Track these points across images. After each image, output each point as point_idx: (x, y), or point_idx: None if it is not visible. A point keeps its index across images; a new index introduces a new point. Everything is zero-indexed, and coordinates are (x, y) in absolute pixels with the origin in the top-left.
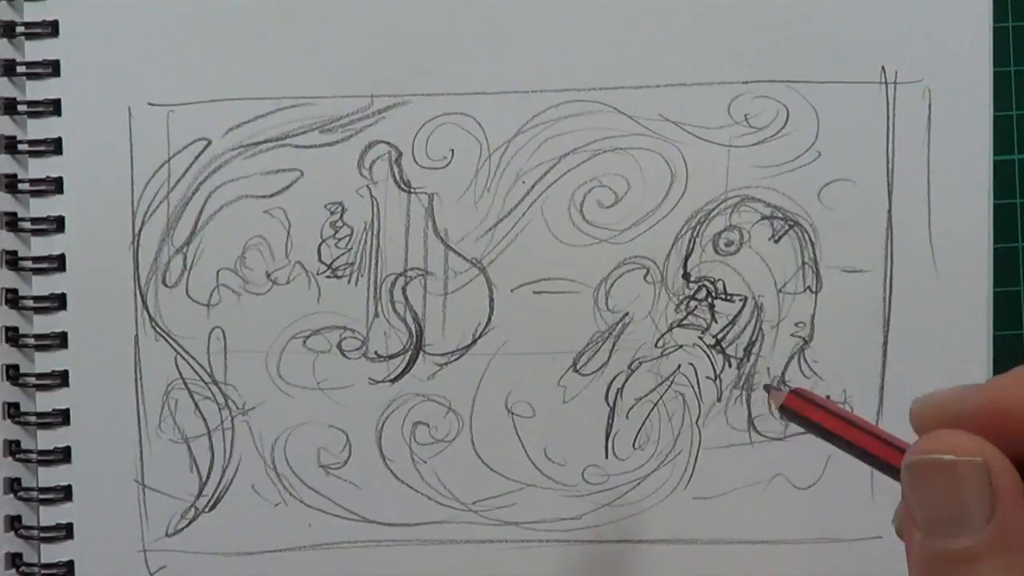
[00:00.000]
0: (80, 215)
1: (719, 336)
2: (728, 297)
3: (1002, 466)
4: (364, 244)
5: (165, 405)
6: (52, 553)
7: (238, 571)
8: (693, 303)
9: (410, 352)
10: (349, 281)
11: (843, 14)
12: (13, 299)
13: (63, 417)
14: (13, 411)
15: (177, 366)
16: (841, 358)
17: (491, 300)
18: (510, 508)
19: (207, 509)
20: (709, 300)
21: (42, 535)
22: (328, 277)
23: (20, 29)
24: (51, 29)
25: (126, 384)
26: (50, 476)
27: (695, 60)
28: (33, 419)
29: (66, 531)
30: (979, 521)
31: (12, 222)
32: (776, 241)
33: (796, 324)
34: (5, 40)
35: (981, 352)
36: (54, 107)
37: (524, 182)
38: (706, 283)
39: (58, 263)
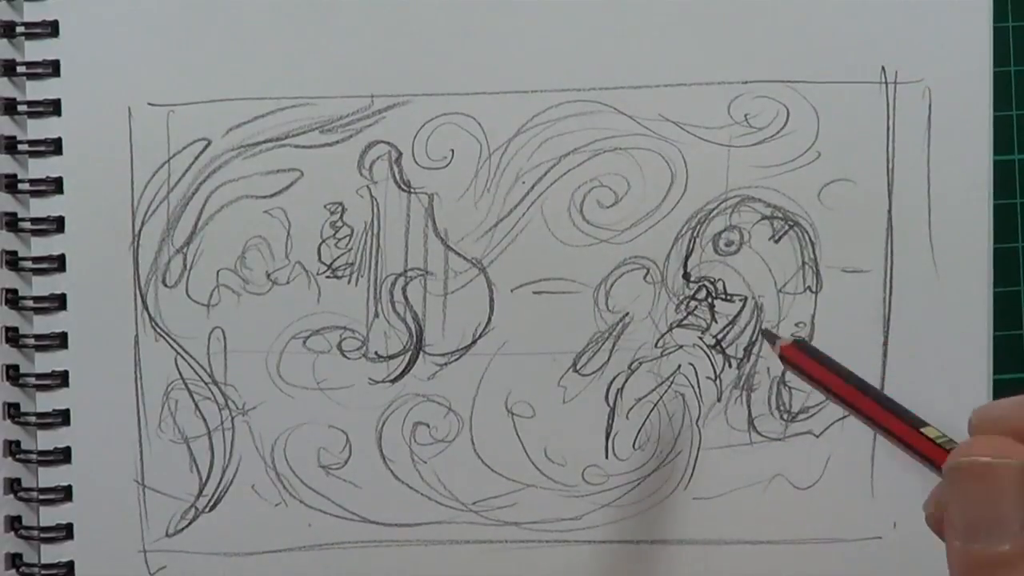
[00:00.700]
0: (80, 215)
1: (719, 336)
2: (728, 297)
3: None
4: (364, 244)
5: (165, 405)
6: (52, 553)
7: (238, 571)
8: (693, 303)
9: (410, 352)
10: (349, 281)
11: (843, 14)
12: (13, 299)
13: (63, 417)
14: (13, 411)
15: (177, 366)
16: (841, 358)
17: (491, 300)
18: (510, 508)
19: (207, 509)
20: (709, 300)
21: (42, 535)
22: (328, 277)
23: (20, 29)
24: (51, 29)
25: (126, 384)
26: (50, 476)
27: (695, 60)
28: (33, 419)
29: (66, 531)
30: (1016, 525)
31: (12, 222)
32: (776, 241)
33: (796, 324)
34: (5, 40)
35: (981, 352)
36: (54, 107)
37: (524, 182)
38: (706, 283)
39: (58, 263)
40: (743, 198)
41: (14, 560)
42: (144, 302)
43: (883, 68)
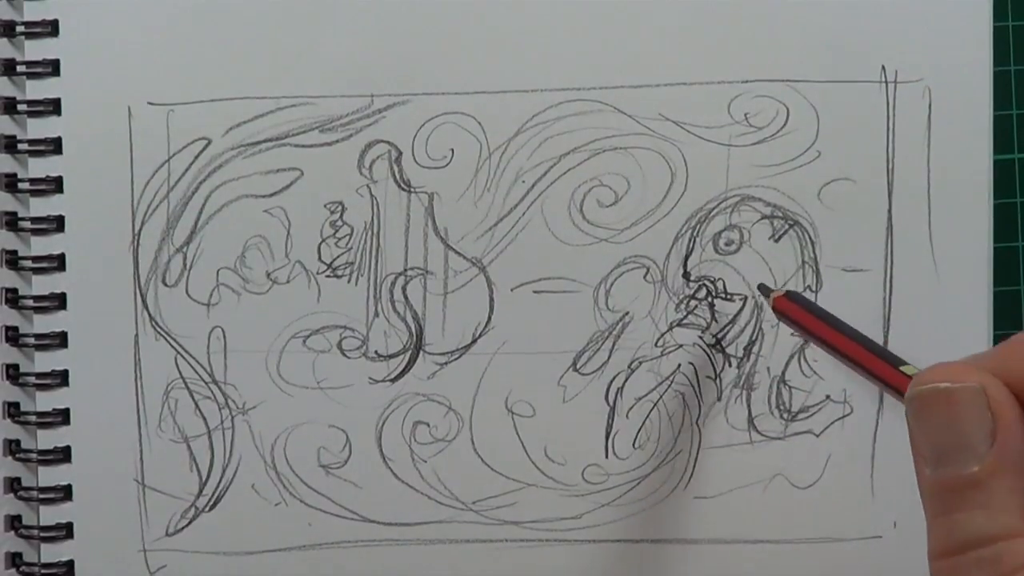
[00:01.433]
0: (80, 215)
1: (719, 335)
2: (728, 296)
3: (999, 391)
4: (364, 243)
5: (165, 405)
6: (52, 553)
7: (238, 571)
8: (693, 302)
9: (410, 352)
10: (349, 281)
11: (843, 14)
12: (13, 299)
13: (63, 417)
14: (13, 411)
15: (177, 366)
16: None
17: (491, 300)
18: (510, 508)
19: (207, 509)
20: (709, 299)
21: (42, 535)
22: (328, 277)
23: (20, 29)
24: (51, 29)
25: (126, 384)
26: (50, 476)
27: (695, 60)
28: (33, 419)
29: (66, 531)
30: (982, 446)
31: (12, 222)
32: (776, 240)
33: None
34: (5, 40)
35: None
36: (54, 107)
37: (524, 181)
38: (706, 282)
39: (58, 263)
40: (743, 197)
41: (14, 559)
42: (144, 301)
43: (883, 68)
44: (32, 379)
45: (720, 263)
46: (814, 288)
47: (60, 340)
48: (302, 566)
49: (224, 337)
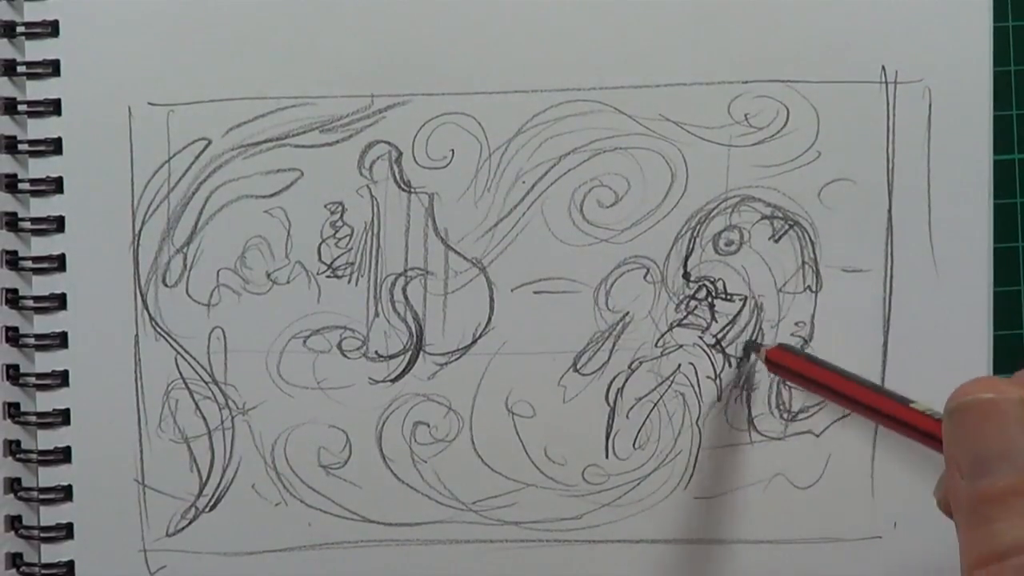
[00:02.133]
0: (80, 215)
1: (719, 336)
2: (728, 297)
3: None
4: (364, 244)
5: (165, 405)
6: (52, 553)
7: (238, 571)
8: (693, 303)
9: (410, 352)
10: (349, 281)
11: (843, 14)
12: (13, 299)
13: (63, 417)
14: (13, 411)
15: (177, 366)
16: (841, 358)
17: (491, 300)
18: (510, 508)
19: (207, 509)
20: (709, 300)
21: (42, 535)
22: (328, 277)
23: (20, 29)
24: (51, 29)
25: (126, 384)
26: (50, 476)
27: (695, 60)
28: (33, 419)
29: (66, 531)
30: (1020, 457)
31: (12, 222)
32: (776, 241)
33: (796, 324)
34: (5, 40)
35: (981, 352)
36: (54, 107)
37: (524, 182)
38: (706, 283)
39: (58, 263)
40: (743, 198)
41: (14, 559)
42: (144, 302)
43: (883, 68)
44: (32, 379)
45: (720, 263)
46: (814, 288)
47: (60, 340)
48: (302, 566)
49: (224, 337)
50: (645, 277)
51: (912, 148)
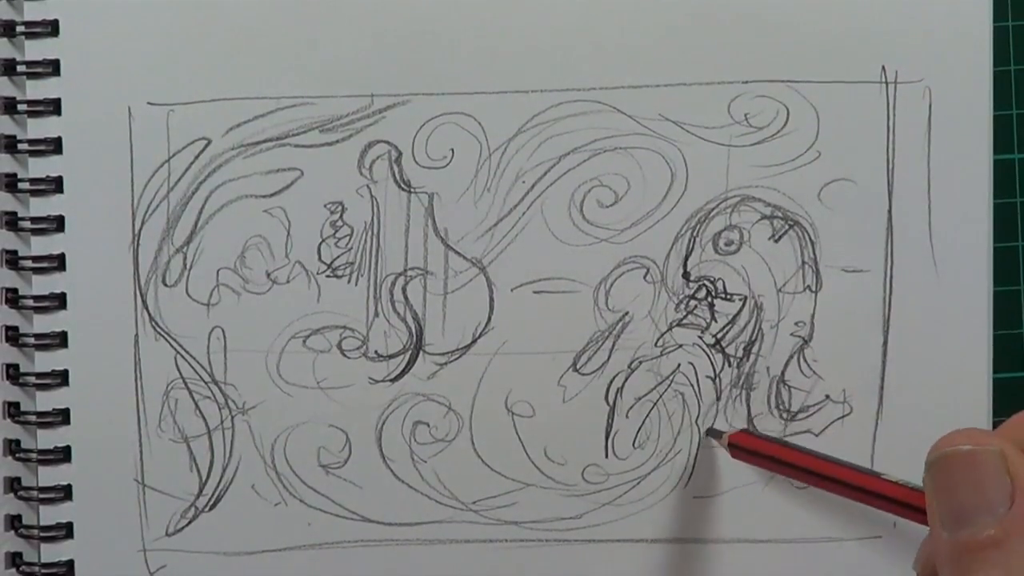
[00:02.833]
0: (80, 215)
1: (719, 335)
2: (728, 297)
3: (1016, 454)
4: (364, 244)
5: (165, 405)
6: (52, 553)
7: (238, 571)
8: (693, 303)
9: (410, 352)
10: (349, 281)
11: (843, 14)
12: (13, 299)
13: (63, 417)
14: (13, 411)
15: (177, 366)
16: (841, 358)
17: (491, 300)
18: (510, 508)
19: (207, 509)
20: (709, 300)
21: (42, 535)
22: (328, 277)
23: (20, 29)
24: (51, 29)
25: (126, 384)
26: (50, 476)
27: (695, 60)
28: (33, 419)
29: (66, 531)
30: (1001, 508)
31: (12, 222)
32: (776, 241)
33: (796, 324)
34: (5, 40)
35: (981, 352)
36: (54, 107)
37: (524, 182)
38: (706, 283)
39: (58, 263)
40: (743, 198)
41: (14, 559)
42: (144, 301)
43: (883, 68)
44: (32, 379)
45: (720, 263)
46: (814, 288)
47: (60, 340)
48: (302, 566)
49: (224, 337)
50: (645, 277)
51: (912, 148)
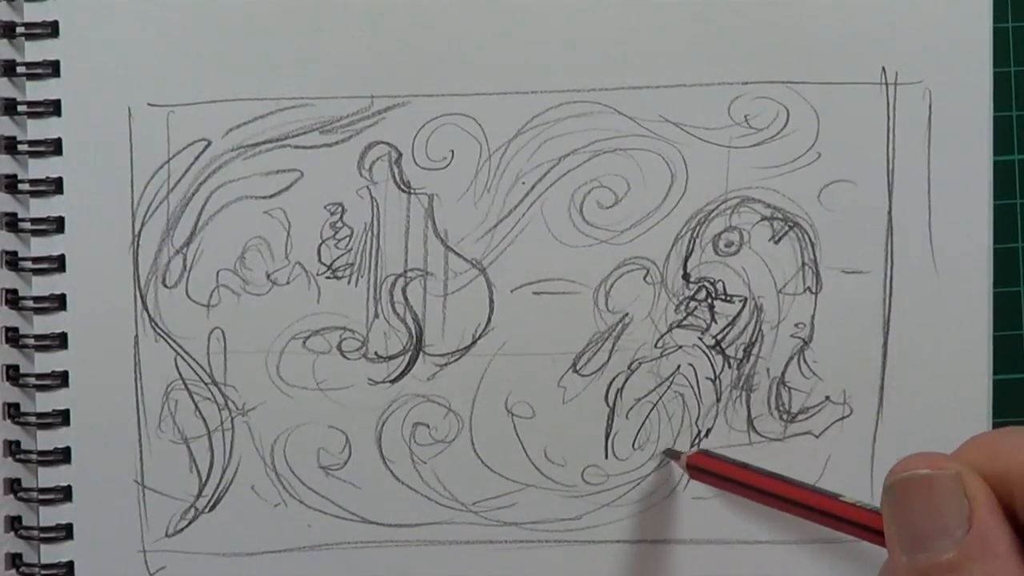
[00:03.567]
0: (80, 215)
1: (719, 337)
2: (728, 298)
3: (973, 477)
4: (364, 245)
5: (165, 405)
6: (52, 553)
7: (238, 571)
8: (693, 304)
9: (410, 353)
10: (349, 282)
11: (843, 14)
12: (13, 299)
13: (63, 417)
14: (13, 411)
15: (177, 366)
16: (841, 359)
17: (491, 301)
18: (510, 508)
19: (207, 509)
20: (709, 301)
21: (42, 535)
22: (328, 278)
23: (20, 29)
24: (51, 29)
25: (126, 384)
26: (50, 476)
27: (695, 60)
28: (33, 419)
29: (66, 531)
30: (959, 531)
31: (12, 222)
32: (776, 242)
33: (796, 325)
34: (5, 40)
35: (981, 352)
36: (54, 107)
37: (524, 183)
38: (706, 284)
39: (58, 263)
40: (743, 199)
41: (14, 560)
42: (144, 302)
43: (883, 68)
44: (32, 380)
45: (720, 264)
46: (814, 290)
47: (60, 341)
48: (302, 567)
49: (224, 338)
50: (645, 278)
51: (912, 149)
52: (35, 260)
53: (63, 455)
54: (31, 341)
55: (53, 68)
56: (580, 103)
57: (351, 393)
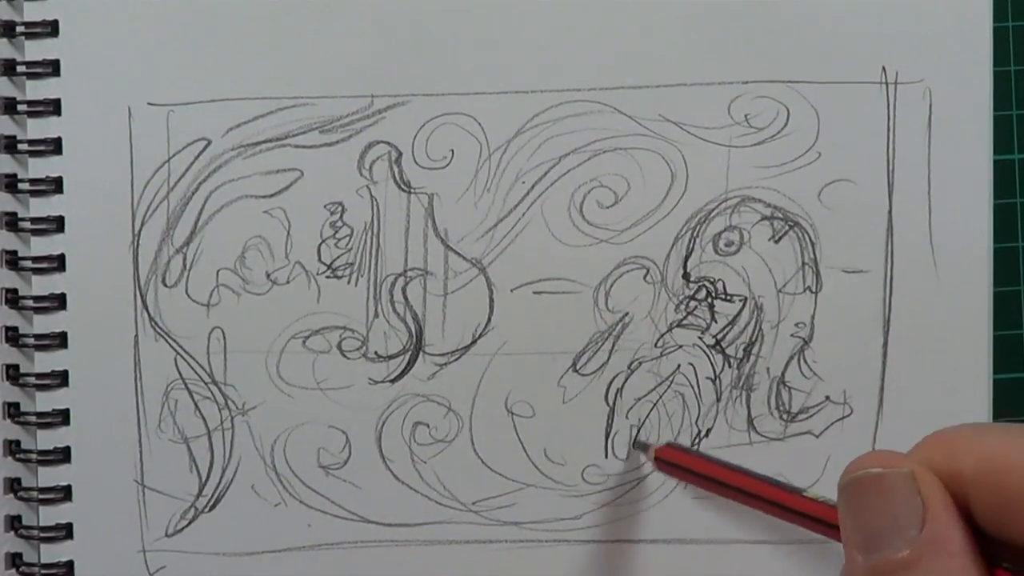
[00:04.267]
0: (80, 215)
1: (719, 336)
2: (728, 297)
3: (927, 476)
4: (364, 244)
5: (165, 405)
6: (52, 553)
7: (238, 571)
8: (693, 303)
9: (410, 352)
10: (349, 281)
11: (843, 14)
12: (13, 299)
13: (63, 417)
14: (13, 411)
15: (177, 366)
16: (841, 358)
17: (491, 300)
18: (510, 508)
19: (207, 509)
20: (709, 300)
21: (42, 535)
22: (328, 277)
23: (20, 29)
24: (51, 29)
25: (126, 384)
26: (50, 476)
27: (695, 60)
28: (33, 419)
29: (66, 531)
30: (913, 529)
31: (12, 222)
32: (776, 241)
33: (796, 324)
34: (5, 40)
35: (981, 352)
36: (54, 107)
37: (524, 182)
38: (706, 283)
39: (58, 263)
40: (743, 198)
41: (14, 560)
42: (144, 302)
43: (883, 68)
44: (32, 379)
45: (720, 264)
46: (814, 289)
47: (60, 340)
48: (302, 567)
49: (224, 338)
50: (645, 277)
51: (912, 148)
52: (35, 260)
53: (63, 455)
54: (31, 341)
55: (53, 67)
56: (580, 102)
57: (351, 393)
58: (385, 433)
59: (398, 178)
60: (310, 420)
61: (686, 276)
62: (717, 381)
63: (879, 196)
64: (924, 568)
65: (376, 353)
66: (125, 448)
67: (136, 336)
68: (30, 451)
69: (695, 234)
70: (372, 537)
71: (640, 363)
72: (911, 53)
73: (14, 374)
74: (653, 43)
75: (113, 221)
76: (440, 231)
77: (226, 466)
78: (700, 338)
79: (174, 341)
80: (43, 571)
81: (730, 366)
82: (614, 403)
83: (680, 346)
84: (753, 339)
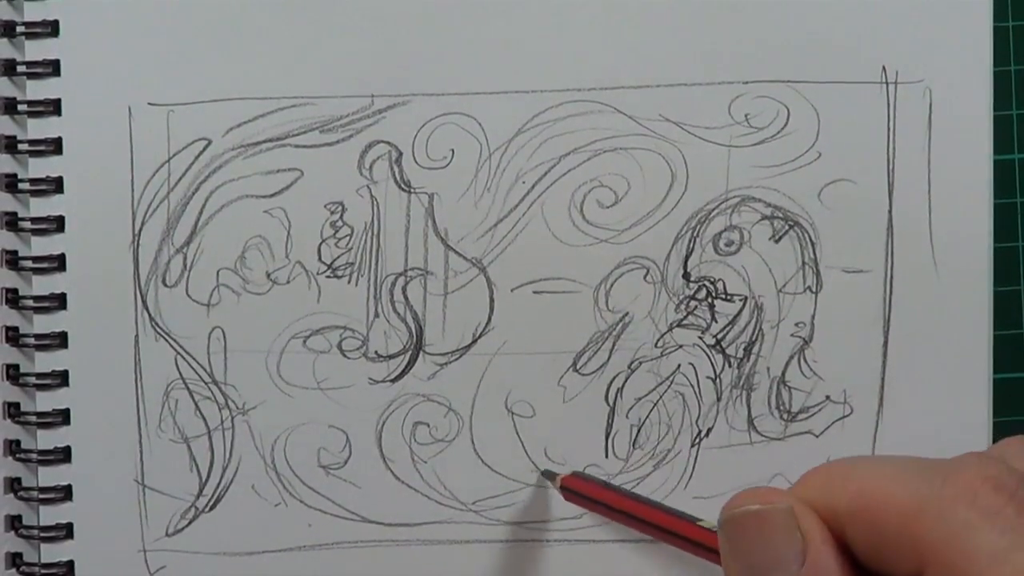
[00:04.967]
0: (80, 215)
1: (719, 336)
2: (728, 297)
3: (806, 511)
4: (364, 244)
5: (165, 405)
6: (52, 553)
7: (238, 571)
8: (693, 303)
9: (410, 352)
10: (349, 281)
11: (843, 14)
12: (13, 299)
13: (63, 417)
14: (13, 411)
15: (177, 366)
16: (841, 358)
17: (491, 300)
18: (510, 508)
19: (207, 509)
20: (709, 300)
21: (42, 535)
22: (328, 277)
23: (20, 29)
24: (51, 29)
25: (126, 384)
26: (50, 476)
27: (695, 60)
28: (33, 419)
29: (66, 531)
30: (793, 565)
31: (12, 222)
32: (776, 241)
33: (796, 324)
34: (5, 40)
35: (981, 352)
36: (54, 107)
37: (524, 182)
38: (706, 283)
39: (58, 263)
40: (743, 198)
41: (14, 559)
42: (144, 302)
43: (883, 68)
44: (32, 379)
45: (720, 264)
46: (814, 289)
47: (60, 340)
48: (302, 567)
49: (224, 337)
50: (645, 277)
51: (912, 148)
52: (35, 259)
53: (63, 454)
54: (31, 340)
55: (53, 67)
56: (580, 102)
57: (351, 392)
58: (385, 433)
59: (398, 178)
60: (310, 420)
61: (686, 276)
62: (717, 381)
63: (879, 196)
64: None
65: (376, 353)
66: (125, 448)
67: (136, 336)
68: (30, 451)
69: (695, 234)
70: (372, 537)
71: (640, 363)
72: (911, 53)
73: (14, 374)
74: (653, 43)
75: (113, 221)
76: (440, 231)
77: (226, 466)
78: (700, 338)
79: (174, 341)
80: (43, 571)
81: (730, 366)
82: (614, 403)
83: (680, 346)
84: (753, 339)
